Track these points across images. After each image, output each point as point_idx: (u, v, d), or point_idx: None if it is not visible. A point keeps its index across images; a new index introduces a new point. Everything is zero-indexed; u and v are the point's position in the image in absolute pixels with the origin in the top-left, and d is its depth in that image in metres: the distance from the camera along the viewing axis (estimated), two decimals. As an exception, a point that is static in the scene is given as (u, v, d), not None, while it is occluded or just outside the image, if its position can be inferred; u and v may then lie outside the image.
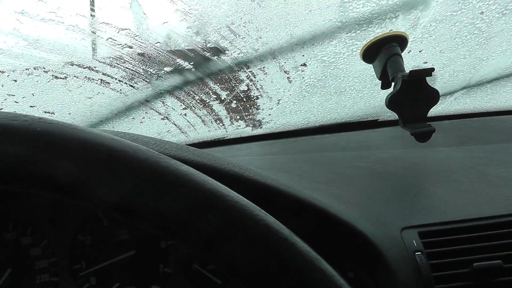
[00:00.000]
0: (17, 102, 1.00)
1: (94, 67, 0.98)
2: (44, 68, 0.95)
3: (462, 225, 0.65)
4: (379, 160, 0.95)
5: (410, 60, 1.09)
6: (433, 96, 0.88)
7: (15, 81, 0.96)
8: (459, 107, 1.26)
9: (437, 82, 1.16)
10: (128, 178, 0.32)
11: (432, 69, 0.84)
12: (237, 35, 0.97)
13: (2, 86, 0.97)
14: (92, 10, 0.94)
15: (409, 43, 0.96)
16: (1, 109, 1.02)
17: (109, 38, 0.94)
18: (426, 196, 0.77)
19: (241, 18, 0.94)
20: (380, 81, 0.98)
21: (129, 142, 0.34)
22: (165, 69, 1.04)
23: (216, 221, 0.32)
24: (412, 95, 0.87)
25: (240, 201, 0.33)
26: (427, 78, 0.87)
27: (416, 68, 0.87)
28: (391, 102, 0.88)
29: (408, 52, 1.07)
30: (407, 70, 0.90)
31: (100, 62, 0.98)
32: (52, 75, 0.97)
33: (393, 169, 0.90)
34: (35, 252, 0.70)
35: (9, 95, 0.99)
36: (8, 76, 0.96)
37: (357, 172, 0.91)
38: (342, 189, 0.82)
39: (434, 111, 0.92)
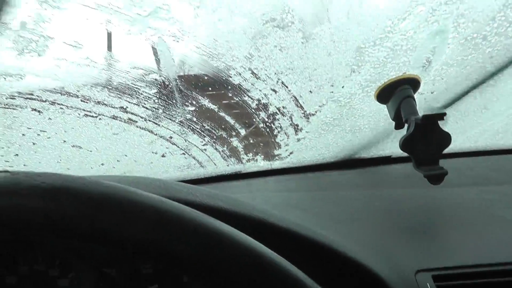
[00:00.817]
0: (49, 138, 1.06)
1: (124, 107, 1.04)
2: (76, 107, 1.02)
3: (476, 270, 0.67)
4: (393, 199, 0.98)
5: (423, 101, 1.13)
6: (445, 139, 0.91)
7: (50, 119, 1.02)
8: (472, 145, 1.28)
9: (449, 122, 1.19)
10: (179, 236, 0.36)
11: (444, 114, 0.88)
12: (258, 78, 1.02)
13: (37, 123, 1.03)
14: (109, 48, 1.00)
15: (421, 85, 1.00)
16: (35, 143, 1.09)
17: (139, 80, 1.00)
18: (440, 238, 0.79)
19: (263, 63, 0.99)
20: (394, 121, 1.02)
21: (177, 204, 0.39)
22: (188, 108, 1.09)
23: (255, 275, 0.36)
24: (425, 138, 0.90)
25: (275, 258, 0.37)
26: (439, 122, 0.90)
27: (429, 111, 0.91)
28: (404, 144, 0.92)
29: (421, 94, 1.11)
30: (420, 111, 0.94)
31: (129, 102, 1.04)
32: (85, 114, 1.03)
33: (407, 209, 0.93)
34: (63, 283, 0.74)
35: (41, 131, 1.05)
36: (41, 113, 1.03)
37: (372, 211, 0.94)
38: (357, 229, 0.85)
39: (447, 148, 0.95)
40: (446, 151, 0.93)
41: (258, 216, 0.66)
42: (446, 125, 0.98)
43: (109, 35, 0.99)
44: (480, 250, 0.73)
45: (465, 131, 1.28)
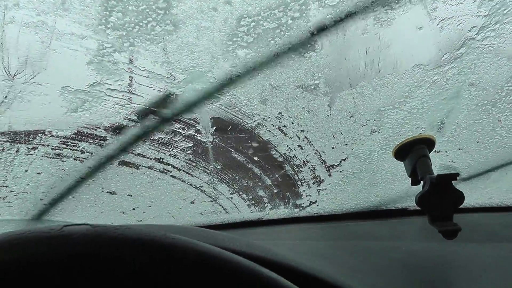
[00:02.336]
0: (87, 184, 1.16)
1: (159, 158, 1.14)
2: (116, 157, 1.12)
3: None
4: (410, 252, 1.04)
5: (438, 159, 1.20)
6: (459, 198, 0.98)
7: (90, 167, 1.12)
8: (485, 201, 1.34)
9: (463, 179, 1.26)
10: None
11: (457, 174, 0.95)
12: (286, 134, 1.12)
13: (78, 171, 1.13)
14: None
15: (437, 144, 1.08)
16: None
17: (177, 134, 1.10)
18: (454, 292, 0.85)
19: (292, 122, 1.09)
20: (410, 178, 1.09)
21: (224, 252, 0.47)
22: (219, 160, 1.19)
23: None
24: (439, 196, 0.97)
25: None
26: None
27: (442, 169, 0.98)
28: (420, 201, 0.98)
29: (437, 152, 1.19)
30: (435, 167, 1.01)
31: (165, 153, 1.14)
32: (123, 164, 1.13)
33: (423, 263, 0.98)
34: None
35: (81, 178, 1.15)
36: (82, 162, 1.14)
37: (390, 263, 0.99)
38: (376, 280, 0.90)
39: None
40: (462, 206, 0.99)
41: (289, 263, 0.73)
42: (460, 182, 1.04)
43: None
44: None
45: (480, 188, 1.34)
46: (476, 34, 0.97)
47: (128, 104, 1.02)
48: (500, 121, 1.13)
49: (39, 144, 1.10)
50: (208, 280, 0.46)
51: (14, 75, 0.98)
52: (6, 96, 1.01)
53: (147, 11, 0.84)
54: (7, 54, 0.95)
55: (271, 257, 0.71)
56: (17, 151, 1.10)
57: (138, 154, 1.13)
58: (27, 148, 1.10)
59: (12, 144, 1.10)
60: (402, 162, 1.10)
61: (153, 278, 0.46)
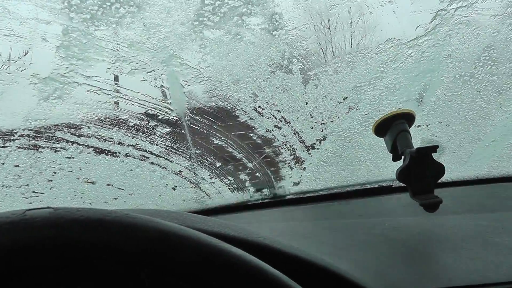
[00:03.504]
0: (66, 175, 1.14)
1: (136, 145, 1.12)
2: (93, 146, 1.11)
3: (468, 291, 0.72)
4: (393, 227, 1.03)
5: (419, 134, 1.20)
6: (439, 170, 0.97)
7: (67, 158, 1.11)
8: (468, 174, 1.34)
9: (445, 153, 1.26)
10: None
11: (436, 146, 0.95)
12: (263, 116, 1.10)
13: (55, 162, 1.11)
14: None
15: (418, 118, 1.07)
16: (51, 180, 1.17)
17: (152, 119, 1.08)
18: (435, 262, 0.84)
19: (267, 102, 1.08)
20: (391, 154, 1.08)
21: (195, 232, 0.45)
22: (197, 144, 1.17)
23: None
24: (420, 169, 0.97)
25: (283, 278, 0.44)
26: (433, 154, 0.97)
27: (424, 143, 0.97)
28: (400, 176, 0.98)
29: (418, 127, 1.18)
30: (417, 142, 1.00)
31: (142, 140, 1.12)
32: (100, 152, 1.11)
33: (405, 237, 0.98)
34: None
35: (59, 169, 1.13)
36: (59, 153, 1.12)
37: (373, 239, 0.99)
38: (359, 255, 0.90)
39: (444, 177, 1.01)
40: (444, 180, 0.99)
41: (263, 242, 0.72)
42: (443, 156, 1.03)
43: (116, 77, 1.08)
44: (473, 273, 0.77)
45: (463, 161, 1.34)
46: (448, 5, 0.96)
47: (99, 90, 1.00)
48: (479, 91, 1.13)
49: (13, 136, 1.08)
50: (169, 257, 0.46)
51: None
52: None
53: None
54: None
55: (243, 236, 0.70)
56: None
57: (115, 141, 1.11)
58: (2, 140, 1.09)
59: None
60: (383, 139, 1.10)
61: (114, 258, 0.45)
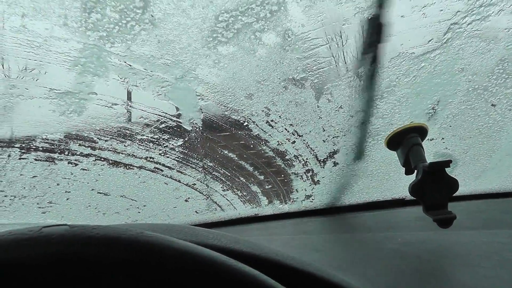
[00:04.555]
0: (81, 187, 1.16)
1: (149, 157, 1.14)
2: (107, 158, 1.12)
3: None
4: (405, 242, 1.02)
5: (432, 147, 1.19)
6: (453, 185, 0.96)
7: (83, 170, 1.12)
8: (482, 188, 1.32)
9: (459, 166, 1.24)
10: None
11: (450, 161, 0.94)
12: (276, 129, 1.11)
13: (71, 174, 1.13)
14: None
15: (431, 132, 1.06)
16: (67, 191, 1.18)
17: (165, 132, 1.09)
18: (449, 281, 0.83)
19: (280, 116, 1.08)
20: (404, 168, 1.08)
21: (203, 249, 0.46)
22: (210, 157, 1.18)
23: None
24: (433, 184, 0.96)
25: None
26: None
27: (438, 157, 0.96)
28: (413, 190, 0.97)
29: (431, 140, 1.17)
30: (430, 156, 0.99)
31: (155, 153, 1.13)
32: (114, 164, 1.13)
33: (418, 252, 0.97)
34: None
35: (74, 180, 1.15)
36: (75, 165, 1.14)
37: (385, 254, 0.98)
38: (370, 270, 0.89)
39: (459, 191, 0.99)
40: (458, 194, 0.98)
41: (275, 258, 0.72)
42: (457, 169, 1.02)
43: (129, 93, 1.10)
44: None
45: (477, 175, 1.32)
46: (461, 18, 0.95)
47: (115, 104, 1.01)
48: (493, 105, 1.11)
49: (30, 148, 1.10)
50: (185, 277, 0.46)
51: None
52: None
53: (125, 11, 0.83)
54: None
55: (256, 252, 0.70)
56: (9, 156, 1.10)
57: (129, 154, 1.13)
58: (20, 152, 1.11)
59: (4, 149, 1.10)
60: (395, 152, 1.09)
61: (129, 276, 0.46)
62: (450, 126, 1.17)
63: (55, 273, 0.42)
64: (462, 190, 1.23)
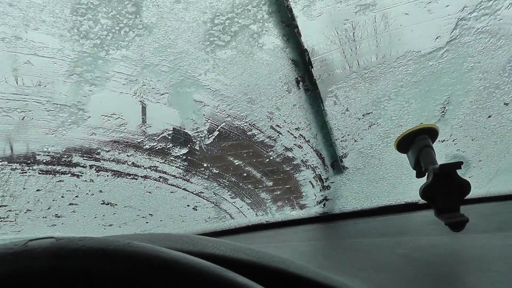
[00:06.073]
0: (86, 199, 1.16)
1: (154, 166, 1.12)
2: (111, 169, 1.11)
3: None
4: (417, 247, 0.99)
5: (444, 149, 1.15)
6: (465, 188, 0.93)
7: (86, 181, 1.12)
8: (496, 190, 1.28)
9: (471, 168, 1.21)
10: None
11: (461, 163, 0.90)
12: (281, 134, 1.09)
13: (75, 186, 1.13)
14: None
15: (442, 133, 1.03)
16: (72, 204, 1.18)
17: (170, 141, 1.08)
18: (461, 286, 0.80)
19: (284, 121, 1.06)
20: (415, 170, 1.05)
21: (198, 260, 0.44)
22: (216, 164, 1.16)
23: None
24: (444, 186, 0.93)
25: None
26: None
27: (449, 159, 0.93)
28: (424, 194, 0.94)
29: (442, 141, 1.14)
30: (441, 157, 0.96)
31: (160, 162, 1.12)
32: (119, 175, 1.12)
33: (430, 257, 0.94)
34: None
35: (79, 193, 1.15)
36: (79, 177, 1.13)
37: (396, 260, 0.95)
38: (381, 276, 0.87)
39: (472, 193, 0.96)
40: (471, 196, 0.94)
41: (277, 266, 0.70)
42: (469, 171, 0.98)
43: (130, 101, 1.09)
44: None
45: (490, 176, 1.28)
46: (469, 14, 0.92)
47: (114, 114, 1.01)
48: (506, 104, 1.08)
49: (32, 162, 1.10)
50: (172, 286, 0.44)
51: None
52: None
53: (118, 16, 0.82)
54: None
55: (255, 260, 0.68)
56: (13, 169, 1.10)
57: (133, 164, 1.12)
58: (22, 166, 1.11)
59: (6, 163, 1.10)
60: (406, 155, 1.07)
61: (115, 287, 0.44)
62: (461, 126, 1.13)
63: (39, 286, 0.41)
64: (474, 192, 1.19)
